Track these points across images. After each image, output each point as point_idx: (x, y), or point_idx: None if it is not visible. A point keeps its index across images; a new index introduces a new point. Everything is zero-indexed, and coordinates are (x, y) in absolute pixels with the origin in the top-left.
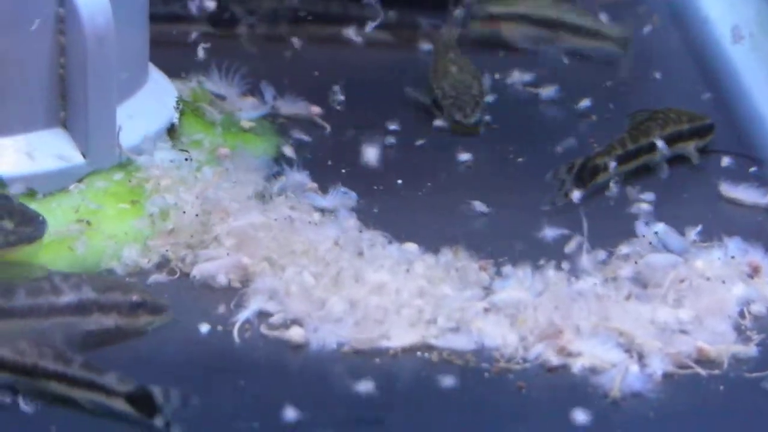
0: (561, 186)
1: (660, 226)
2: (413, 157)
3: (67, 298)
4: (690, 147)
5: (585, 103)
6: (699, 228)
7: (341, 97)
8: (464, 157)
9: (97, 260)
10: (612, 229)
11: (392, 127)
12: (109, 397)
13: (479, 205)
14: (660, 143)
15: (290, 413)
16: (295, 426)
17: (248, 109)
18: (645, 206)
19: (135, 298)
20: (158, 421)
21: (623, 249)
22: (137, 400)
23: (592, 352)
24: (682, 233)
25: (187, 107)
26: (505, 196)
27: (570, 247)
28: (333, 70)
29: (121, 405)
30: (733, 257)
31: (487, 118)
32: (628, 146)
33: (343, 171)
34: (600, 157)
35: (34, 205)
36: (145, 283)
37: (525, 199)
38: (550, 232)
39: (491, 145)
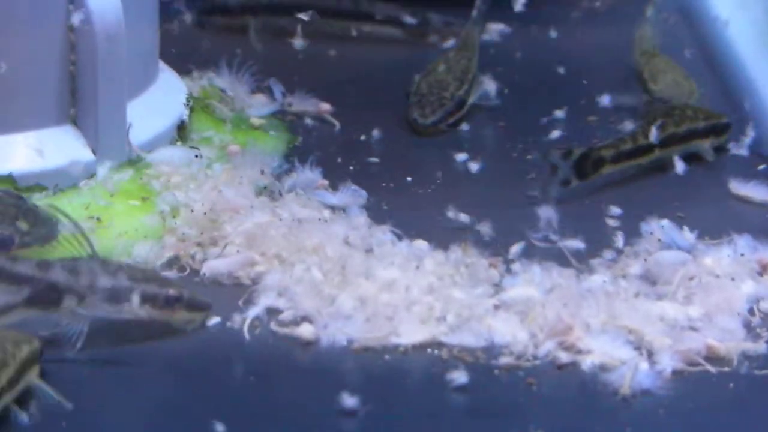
0: (554, 173)
1: (665, 222)
2: (422, 154)
3: (101, 282)
4: (705, 145)
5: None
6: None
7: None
8: (473, 154)
9: (107, 257)
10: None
11: (402, 124)
12: (9, 313)
13: (491, 202)
14: (654, 135)
15: (300, 409)
16: (305, 422)
17: (258, 106)
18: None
19: (171, 292)
20: (69, 303)
21: (632, 246)
22: (37, 299)
23: (601, 350)
24: (691, 230)
25: (197, 104)
26: (516, 193)
27: (515, 249)
28: (343, 67)
29: (24, 313)
30: (742, 254)
31: (503, 119)
32: (640, 141)
33: (353, 168)
34: (606, 149)
35: (44, 202)
36: None
37: (535, 196)
38: (561, 228)
39: (501, 143)
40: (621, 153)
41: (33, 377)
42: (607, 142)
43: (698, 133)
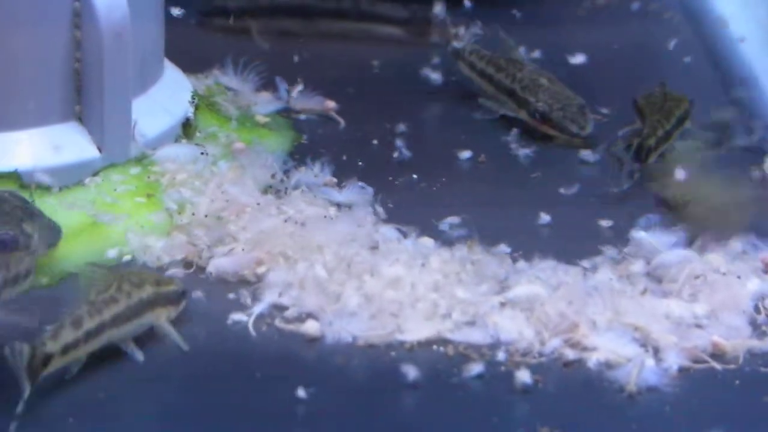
0: (621, 168)
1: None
2: (428, 151)
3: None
4: (688, 125)
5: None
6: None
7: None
8: (478, 151)
9: (113, 254)
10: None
11: (407, 121)
12: None
13: (496, 200)
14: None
15: (305, 406)
16: (309, 418)
17: (263, 104)
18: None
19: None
20: None
21: (635, 245)
22: None
23: (607, 347)
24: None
25: (202, 102)
26: (519, 190)
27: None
28: (347, 66)
29: None
30: (745, 252)
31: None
32: (666, 125)
33: (359, 165)
34: (650, 137)
35: (49, 199)
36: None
37: (539, 193)
38: (566, 226)
39: (504, 140)
40: (659, 139)
41: (155, 318)
42: (645, 132)
43: (687, 115)
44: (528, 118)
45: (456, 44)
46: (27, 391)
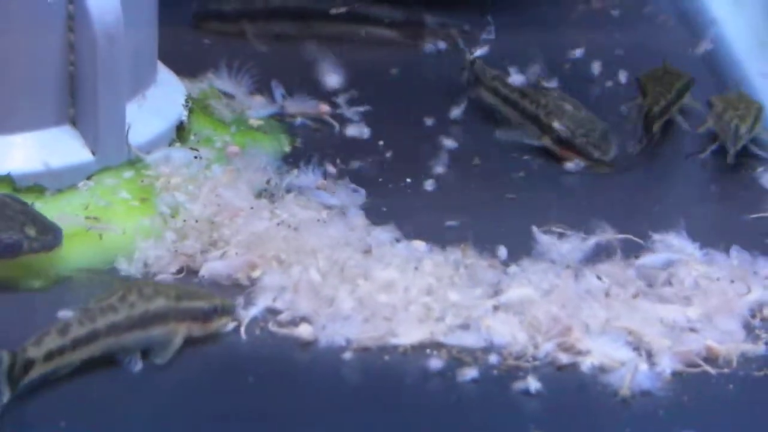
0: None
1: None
2: (421, 155)
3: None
4: (687, 98)
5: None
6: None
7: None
8: (472, 155)
9: (106, 258)
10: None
11: (400, 124)
12: None
13: (489, 203)
14: None
15: (300, 409)
16: (302, 422)
17: (257, 108)
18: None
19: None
20: None
21: (632, 248)
22: None
23: (601, 351)
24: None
25: (196, 105)
26: (513, 193)
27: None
28: (341, 70)
29: None
30: (742, 256)
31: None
32: (667, 96)
33: (352, 169)
34: (655, 105)
35: (43, 203)
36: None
37: (533, 198)
38: (559, 230)
39: (499, 144)
40: (662, 108)
41: (169, 333)
42: (649, 101)
43: (686, 88)
44: (551, 145)
45: (472, 54)
46: (6, 397)
